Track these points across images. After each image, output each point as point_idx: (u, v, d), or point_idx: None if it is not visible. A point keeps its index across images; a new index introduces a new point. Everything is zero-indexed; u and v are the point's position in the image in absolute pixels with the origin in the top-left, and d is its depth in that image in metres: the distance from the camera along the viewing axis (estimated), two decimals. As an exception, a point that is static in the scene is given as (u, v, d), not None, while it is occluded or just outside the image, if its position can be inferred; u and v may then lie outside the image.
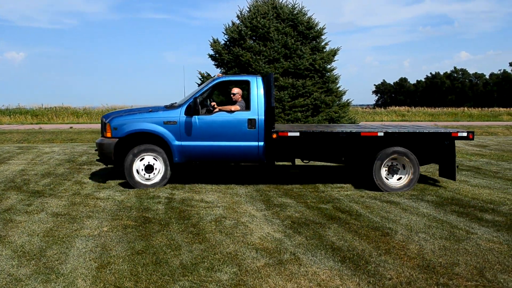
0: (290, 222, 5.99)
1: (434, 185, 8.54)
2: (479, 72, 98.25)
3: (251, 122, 8.17)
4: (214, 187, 8.32)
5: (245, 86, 8.80)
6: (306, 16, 16.49)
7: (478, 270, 4.35)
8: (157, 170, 8.26)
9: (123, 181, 8.85)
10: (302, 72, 15.42)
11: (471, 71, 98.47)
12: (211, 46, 16.40)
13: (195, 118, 8.17)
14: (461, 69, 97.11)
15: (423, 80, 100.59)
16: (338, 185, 8.62)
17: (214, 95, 10.36)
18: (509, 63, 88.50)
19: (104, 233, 5.47)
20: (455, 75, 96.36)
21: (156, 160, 8.24)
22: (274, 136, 8.02)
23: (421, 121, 38.23)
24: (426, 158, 8.56)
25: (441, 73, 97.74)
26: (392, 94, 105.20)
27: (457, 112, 46.71)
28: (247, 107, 8.42)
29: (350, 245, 5.08)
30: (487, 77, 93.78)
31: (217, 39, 16.60)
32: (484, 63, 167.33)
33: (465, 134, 8.18)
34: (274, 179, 9.25)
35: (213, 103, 8.68)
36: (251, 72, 15.03)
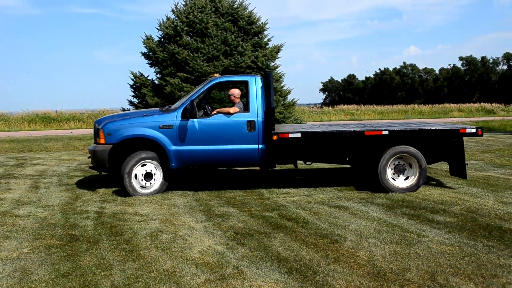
0: (232, 233, 5.99)
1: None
2: (429, 67, 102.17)
3: (251, 124, 8.35)
4: (149, 198, 8.19)
5: (244, 87, 8.96)
6: (247, 10, 16.61)
7: (430, 275, 4.51)
8: (156, 177, 8.47)
9: (46, 194, 8.58)
10: (244, 70, 15.50)
11: (420, 66, 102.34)
12: (144, 43, 16.21)
13: (192, 122, 8.32)
14: (411, 64, 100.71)
15: (372, 76, 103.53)
16: (284, 190, 8.71)
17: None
18: (459, 58, 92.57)
19: (24, 255, 5.27)
20: (405, 70, 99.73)
21: (154, 167, 8.44)
22: (275, 138, 8.19)
23: (371, 119, 39.24)
24: (434, 157, 8.81)
25: (390, 68, 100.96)
26: (340, 92, 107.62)
27: (407, 110, 48.40)
28: (246, 108, 8.59)
29: (297, 254, 5.13)
30: (437, 72, 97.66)
31: (151, 36, 16.44)
32: (434, 57, 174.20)
33: (473, 131, 8.37)
34: (215, 186, 9.22)
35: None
36: (188, 70, 14.96)
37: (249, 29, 16.30)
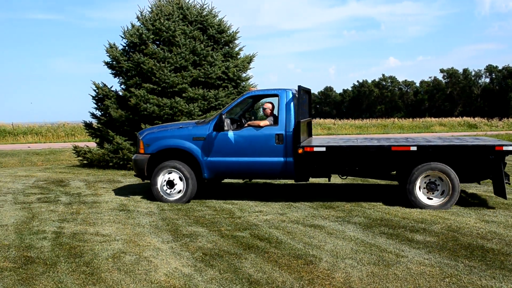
0: (201, 254, 6.00)
1: (361, 206, 8.88)
2: (409, 79, 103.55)
3: (279, 137, 9.01)
4: (112, 217, 8.14)
5: (275, 100, 9.51)
6: (217, 18, 16.69)
7: (408, 297, 4.59)
8: (184, 185, 9.31)
9: (0, 213, 8.46)
10: (214, 81, 15.55)
11: (400, 78, 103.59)
12: (107, 51, 16.12)
13: (223, 134, 9.17)
14: (390, 77, 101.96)
15: (350, 89, 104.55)
16: (256, 208, 8.75)
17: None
18: (440, 70, 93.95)
19: (-26, 279, 5.19)
20: (384, 83, 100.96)
21: (181, 177, 9.28)
22: (300, 151, 8.73)
23: (349, 134, 39.59)
24: (469, 175, 8.82)
25: (369, 81, 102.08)
26: (316, 105, 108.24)
27: (387, 124, 48.89)
28: (275, 121, 9.23)
29: (269, 277, 5.17)
30: (418, 85, 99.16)
31: (114, 44, 16.37)
32: (414, 69, 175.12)
33: (511, 148, 8.33)
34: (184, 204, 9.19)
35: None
36: (154, 81, 14.95)
37: (219, 38, 16.39)
